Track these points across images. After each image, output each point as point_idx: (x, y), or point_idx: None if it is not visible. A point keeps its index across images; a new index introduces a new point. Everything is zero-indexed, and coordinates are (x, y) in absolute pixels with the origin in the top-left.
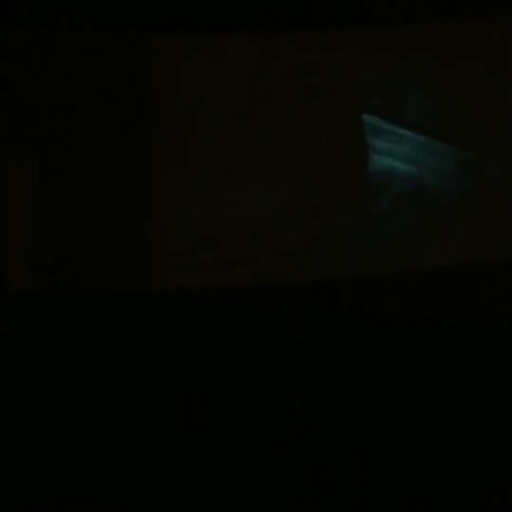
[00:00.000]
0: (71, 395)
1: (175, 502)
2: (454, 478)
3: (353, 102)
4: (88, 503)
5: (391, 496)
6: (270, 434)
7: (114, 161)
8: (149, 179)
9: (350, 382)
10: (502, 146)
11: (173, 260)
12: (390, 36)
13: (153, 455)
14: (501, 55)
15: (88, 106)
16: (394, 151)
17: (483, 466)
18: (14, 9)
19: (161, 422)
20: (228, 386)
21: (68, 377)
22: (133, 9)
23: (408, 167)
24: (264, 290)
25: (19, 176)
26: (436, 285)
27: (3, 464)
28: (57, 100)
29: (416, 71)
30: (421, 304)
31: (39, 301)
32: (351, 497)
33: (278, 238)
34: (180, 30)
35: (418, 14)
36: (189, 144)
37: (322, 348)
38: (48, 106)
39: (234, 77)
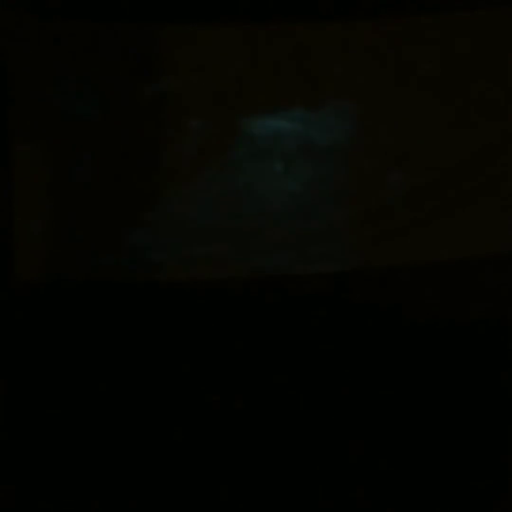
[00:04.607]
0: (76, 386)
1: (177, 499)
2: (455, 475)
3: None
4: (88, 503)
5: (392, 493)
6: (275, 429)
7: (121, 151)
8: (157, 172)
9: (357, 377)
10: None
11: (176, 252)
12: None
13: (155, 452)
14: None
15: (96, 96)
16: None
17: (485, 462)
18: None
19: (164, 418)
20: (234, 380)
21: (73, 369)
22: (130, 2)
23: None
24: (270, 284)
25: (26, 167)
26: (438, 280)
27: (6, 458)
28: (64, 90)
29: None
30: (424, 298)
31: (47, 292)
32: (354, 494)
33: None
34: (176, 21)
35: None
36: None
37: (328, 341)
38: (55, 96)
39: (229, 68)
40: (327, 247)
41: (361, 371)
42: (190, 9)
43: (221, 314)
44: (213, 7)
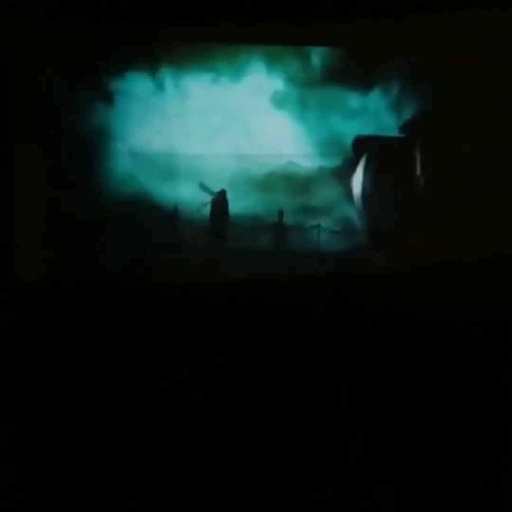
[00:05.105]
0: (75, 384)
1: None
2: (455, 473)
3: None
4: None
5: (392, 493)
6: (275, 428)
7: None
8: None
9: (357, 376)
10: None
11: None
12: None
13: (153, 451)
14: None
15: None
16: None
17: (485, 462)
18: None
19: (162, 416)
20: (234, 380)
21: (72, 367)
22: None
23: None
24: (274, 284)
25: (27, 171)
26: (438, 280)
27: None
28: (63, 89)
29: None
30: (424, 298)
31: (47, 292)
32: (354, 494)
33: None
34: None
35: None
36: None
37: (328, 341)
38: (55, 95)
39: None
40: None
41: (361, 370)
42: (190, 9)
43: (220, 314)
44: (213, 7)
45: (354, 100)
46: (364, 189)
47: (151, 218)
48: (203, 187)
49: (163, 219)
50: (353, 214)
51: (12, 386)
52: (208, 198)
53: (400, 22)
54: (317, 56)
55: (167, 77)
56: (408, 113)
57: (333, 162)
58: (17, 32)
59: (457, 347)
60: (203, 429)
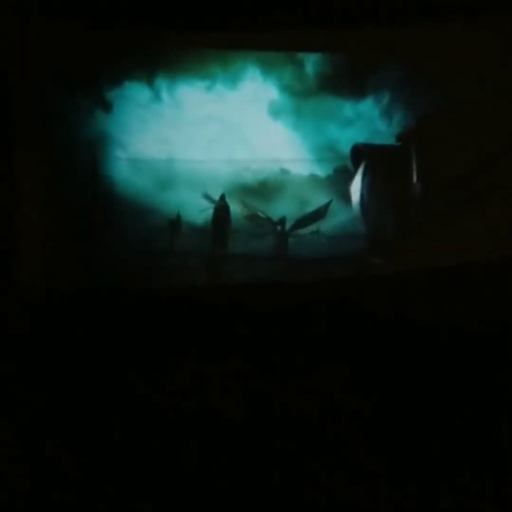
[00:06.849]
0: (74, 386)
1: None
2: (455, 474)
3: None
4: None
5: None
6: (274, 432)
7: None
8: None
9: (357, 378)
10: None
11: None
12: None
13: (149, 452)
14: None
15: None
16: None
17: (485, 462)
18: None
19: (159, 418)
20: (232, 384)
21: (72, 370)
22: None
23: None
24: (275, 289)
25: (28, 177)
26: (439, 284)
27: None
28: (63, 96)
29: None
30: (424, 302)
31: (50, 297)
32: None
33: None
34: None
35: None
36: None
37: (327, 344)
38: (54, 102)
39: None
40: None
41: (361, 373)
42: (190, 10)
43: (219, 317)
44: (214, 8)
45: (347, 107)
46: (362, 196)
47: (152, 224)
48: (205, 196)
49: (164, 224)
50: (352, 219)
51: (11, 389)
52: (208, 204)
53: (394, 28)
54: (310, 63)
55: (165, 84)
56: (401, 119)
57: (329, 168)
58: (17, 35)
59: (457, 351)
60: (203, 432)
